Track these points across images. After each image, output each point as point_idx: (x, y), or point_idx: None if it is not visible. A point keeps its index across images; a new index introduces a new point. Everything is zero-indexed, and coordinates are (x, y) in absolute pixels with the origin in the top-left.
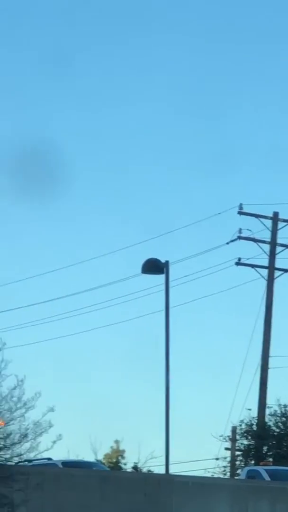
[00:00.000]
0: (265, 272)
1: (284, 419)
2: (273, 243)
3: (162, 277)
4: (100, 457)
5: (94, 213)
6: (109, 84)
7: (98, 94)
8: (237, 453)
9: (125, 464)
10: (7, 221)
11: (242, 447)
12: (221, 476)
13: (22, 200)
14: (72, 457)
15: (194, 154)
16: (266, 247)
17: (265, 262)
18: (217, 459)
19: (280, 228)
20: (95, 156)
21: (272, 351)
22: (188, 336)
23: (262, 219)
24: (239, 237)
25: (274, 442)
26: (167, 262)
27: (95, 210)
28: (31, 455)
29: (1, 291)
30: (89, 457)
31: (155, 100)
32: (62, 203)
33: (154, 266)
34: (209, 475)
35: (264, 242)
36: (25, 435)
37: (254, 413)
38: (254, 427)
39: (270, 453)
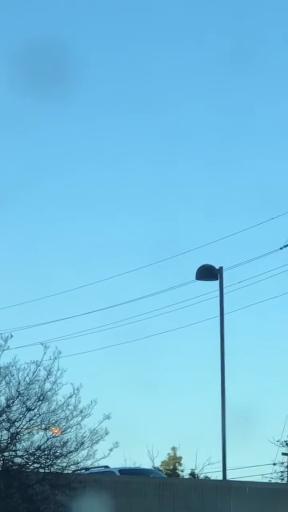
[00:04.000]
0: None
1: None
2: None
3: (216, 283)
4: (158, 464)
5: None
6: None
7: None
8: None
9: (182, 471)
10: None
11: None
12: (279, 481)
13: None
14: (129, 464)
15: (248, 160)
16: None
17: None
18: (274, 464)
19: None
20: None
21: None
22: (243, 342)
23: None
24: None
25: None
26: (221, 268)
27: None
28: (88, 463)
29: (56, 299)
30: (147, 465)
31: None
32: None
33: (208, 272)
34: (266, 480)
35: None
36: (82, 443)
37: None
38: None
39: None
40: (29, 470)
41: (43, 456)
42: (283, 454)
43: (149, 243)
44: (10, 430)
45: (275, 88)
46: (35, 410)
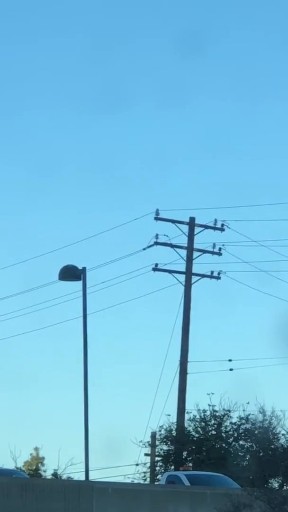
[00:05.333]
0: (182, 277)
1: (203, 424)
2: (190, 248)
3: (79, 283)
4: (20, 464)
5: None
6: None
7: None
8: (157, 458)
9: (45, 471)
10: None
11: (161, 453)
12: (141, 481)
13: None
14: None
15: (112, 159)
16: (183, 252)
17: (182, 268)
18: (137, 464)
19: (197, 233)
20: None
21: (190, 357)
22: (106, 342)
23: (178, 225)
24: (156, 243)
25: (193, 447)
26: (84, 268)
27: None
28: None
29: None
30: (9, 465)
31: None
32: None
33: (71, 273)
34: (129, 481)
35: (181, 247)
36: None
37: (173, 418)
38: (174, 433)
39: (190, 458)
40: None
41: None
42: (146, 454)
43: (12, 244)
44: None
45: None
46: None
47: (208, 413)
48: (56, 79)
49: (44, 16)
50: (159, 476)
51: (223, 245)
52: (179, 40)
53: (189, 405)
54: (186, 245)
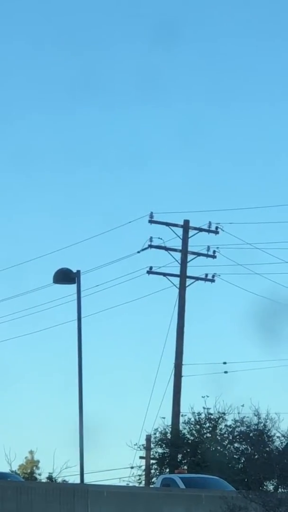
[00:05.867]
0: (176, 280)
1: (197, 426)
2: (184, 251)
3: (73, 286)
4: (15, 468)
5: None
6: None
7: None
8: (152, 461)
9: (39, 474)
10: None
11: (156, 456)
12: (136, 484)
13: None
14: None
15: (105, 162)
16: (177, 255)
17: (177, 270)
18: (132, 467)
19: (191, 236)
20: None
21: (185, 359)
22: (101, 345)
23: (173, 228)
24: (150, 246)
25: (188, 450)
26: (78, 271)
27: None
28: None
29: None
30: (4, 468)
31: None
32: None
33: (65, 276)
34: (124, 484)
35: (175, 250)
36: None
37: (168, 421)
38: (169, 435)
39: (185, 461)
40: None
41: None
42: (141, 457)
43: (6, 247)
44: None
45: None
46: None
47: (203, 415)
48: (43, 75)
49: (22, 7)
50: (154, 479)
51: (217, 247)
52: (155, 31)
53: (184, 408)
54: (180, 248)
